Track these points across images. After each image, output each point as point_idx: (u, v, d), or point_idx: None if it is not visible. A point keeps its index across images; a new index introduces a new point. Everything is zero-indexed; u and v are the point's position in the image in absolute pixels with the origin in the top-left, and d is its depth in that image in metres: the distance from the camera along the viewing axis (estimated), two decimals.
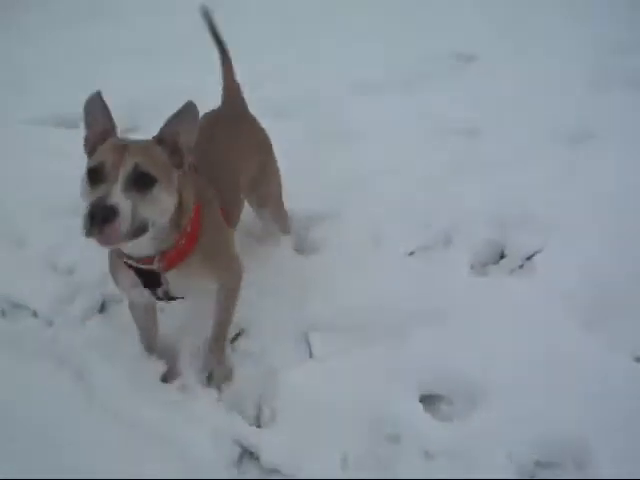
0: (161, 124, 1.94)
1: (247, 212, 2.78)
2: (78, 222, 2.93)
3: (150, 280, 2.10)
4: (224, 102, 2.69)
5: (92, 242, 1.81)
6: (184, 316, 2.64)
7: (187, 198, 2.03)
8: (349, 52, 4.06)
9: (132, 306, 2.43)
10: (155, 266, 2.03)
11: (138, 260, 2.04)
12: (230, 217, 2.38)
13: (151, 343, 2.52)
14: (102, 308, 2.78)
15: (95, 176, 1.84)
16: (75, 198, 3.12)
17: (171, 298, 2.18)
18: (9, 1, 5.03)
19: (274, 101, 2.90)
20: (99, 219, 1.74)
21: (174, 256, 2.04)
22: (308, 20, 4.40)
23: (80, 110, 3.70)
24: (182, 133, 1.93)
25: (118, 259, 2.12)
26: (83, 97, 3.74)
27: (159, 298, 2.17)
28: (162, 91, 3.60)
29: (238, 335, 2.60)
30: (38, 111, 3.86)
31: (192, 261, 2.09)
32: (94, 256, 2.86)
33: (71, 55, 4.31)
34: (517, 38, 4.10)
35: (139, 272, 2.08)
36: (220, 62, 2.70)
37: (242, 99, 2.72)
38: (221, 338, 2.46)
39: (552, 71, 3.82)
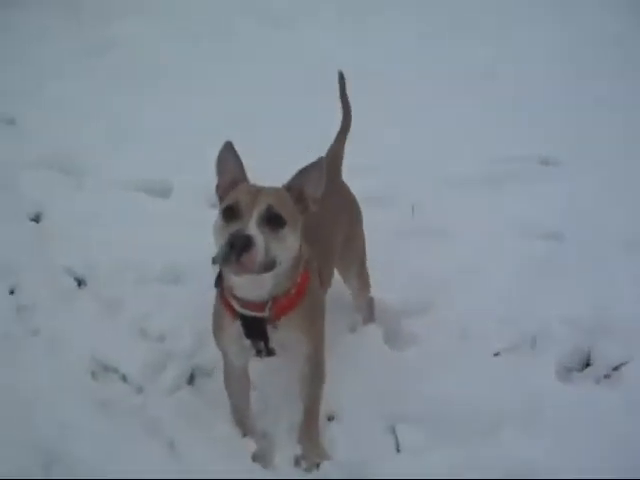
0: None
1: (339, 297, 2.86)
2: (169, 289, 3.16)
3: (254, 330, 2.19)
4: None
5: (228, 270, 1.98)
6: (275, 394, 2.68)
7: (303, 248, 2.16)
8: (439, 145, 4.18)
9: (228, 374, 2.49)
10: (265, 313, 2.14)
11: (249, 305, 2.14)
12: (324, 279, 2.48)
13: (243, 418, 2.56)
14: (191, 379, 2.84)
15: (231, 213, 2.01)
16: (167, 266, 3.32)
17: (269, 353, 2.26)
18: (123, 69, 5.22)
19: (366, 191, 2.98)
20: (238, 247, 1.89)
21: (284, 304, 2.16)
22: (403, 110, 4.54)
23: (171, 179, 3.90)
24: (309, 184, 2.11)
25: (224, 312, 2.24)
26: (175, 166, 3.94)
27: (259, 352, 2.25)
28: None
29: (328, 419, 2.62)
30: (132, 175, 3.99)
31: (296, 315, 2.20)
32: (185, 325, 2.99)
33: (171, 123, 4.46)
34: (601, 144, 4.18)
35: (245, 322, 2.18)
36: (341, 127, 2.87)
37: (340, 165, 2.86)
38: (314, 419, 2.50)
39: (632, 179, 3.88)
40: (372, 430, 2.57)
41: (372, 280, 3.00)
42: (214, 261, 1.99)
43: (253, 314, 2.17)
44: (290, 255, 2.07)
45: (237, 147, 2.19)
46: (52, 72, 5.23)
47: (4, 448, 2.47)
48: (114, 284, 3.24)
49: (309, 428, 2.49)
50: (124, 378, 2.83)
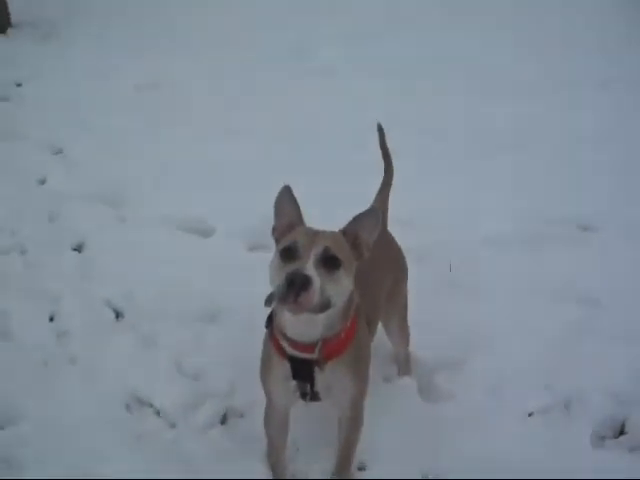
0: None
1: (376, 346, 2.87)
2: (207, 329, 3.20)
3: (302, 372, 2.22)
4: None
5: (286, 309, 2.01)
6: (309, 438, 2.70)
7: (354, 292, 2.20)
8: (479, 202, 4.22)
9: (269, 415, 2.51)
10: (315, 354, 2.16)
11: (299, 346, 2.17)
12: (370, 327, 2.51)
13: (278, 461, 2.57)
14: (224, 419, 2.86)
15: (288, 254, 2.05)
16: (205, 305, 3.36)
17: (314, 397, 2.28)
18: (171, 106, 5.38)
19: (403, 245, 3.02)
20: (296, 286, 1.92)
21: (333, 347, 2.18)
22: (440, 165, 4.61)
23: (212, 219, 3.95)
24: (364, 230, 2.16)
25: (273, 352, 2.26)
26: (217, 206, 4.00)
27: (304, 395, 2.27)
28: None
29: (359, 469, 2.62)
30: (175, 212, 4.06)
31: (344, 358, 2.23)
32: (220, 366, 3.02)
33: (215, 163, 4.56)
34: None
35: (293, 363, 2.21)
36: (383, 179, 2.92)
37: (385, 215, 2.89)
38: (347, 464, 2.51)
39: None
40: None
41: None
42: (268, 300, 2.03)
43: (302, 356, 2.19)
44: (344, 297, 2.11)
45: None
46: (102, 107, 5.38)
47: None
48: (152, 319, 3.29)
49: (342, 472, 2.50)
50: (158, 413, 2.86)
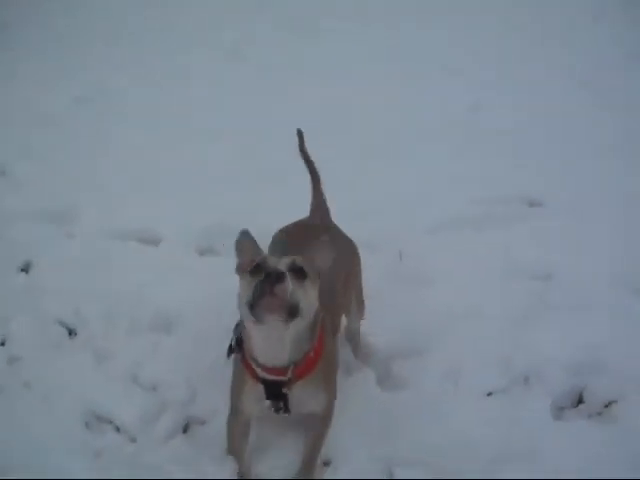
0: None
1: None
2: (161, 338, 3.16)
3: (274, 393, 2.30)
4: (312, 215, 3.00)
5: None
6: (275, 440, 2.69)
7: (319, 312, 2.27)
8: (426, 188, 4.23)
9: (233, 424, 2.54)
10: (288, 376, 2.24)
11: (272, 370, 2.25)
12: (334, 327, 2.59)
13: (242, 459, 2.61)
14: (185, 428, 2.83)
15: (258, 269, 2.13)
16: (158, 314, 3.32)
17: (287, 411, 2.35)
18: (112, 117, 5.27)
19: (354, 236, 3.02)
20: (272, 279, 2.04)
21: (303, 367, 2.26)
22: (386, 155, 4.61)
23: (161, 229, 3.91)
24: (319, 260, 2.27)
25: (246, 376, 2.34)
26: (163, 215, 3.95)
27: (277, 410, 2.35)
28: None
29: (325, 464, 2.63)
30: (121, 224, 3.99)
31: (314, 376, 2.31)
32: (177, 374, 2.99)
33: (158, 173, 4.50)
34: (584, 182, 4.25)
35: (266, 385, 2.28)
36: (312, 181, 3.05)
37: (327, 210, 3.02)
38: (313, 465, 2.53)
39: (627, 220, 3.93)
40: (369, 474, 2.57)
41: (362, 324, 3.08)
42: (230, 349, 2.33)
43: (275, 378, 2.27)
44: (311, 308, 2.20)
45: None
46: (40, 120, 5.27)
47: None
48: (105, 333, 3.24)
49: (307, 471, 2.52)
50: (118, 428, 2.82)
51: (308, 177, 3.08)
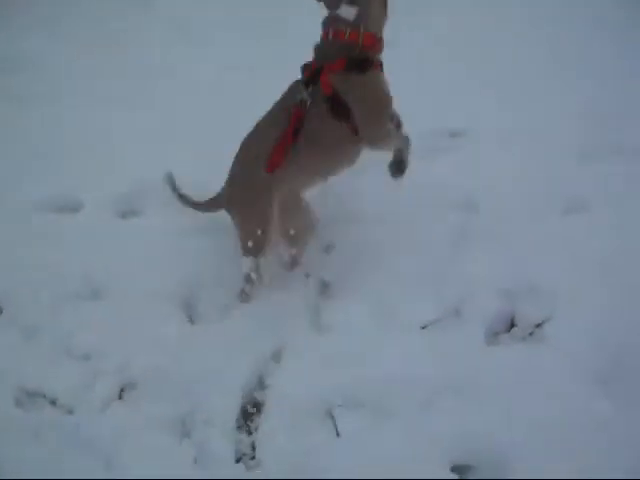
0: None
1: None
2: (89, 306, 3.09)
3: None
4: None
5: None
6: None
7: None
8: None
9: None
10: None
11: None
12: None
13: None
14: (121, 394, 2.79)
15: None
16: (83, 282, 3.24)
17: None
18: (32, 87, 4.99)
19: None
20: None
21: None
22: None
23: (80, 195, 3.75)
24: None
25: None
26: (83, 181, 3.80)
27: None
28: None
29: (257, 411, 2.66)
30: (41, 196, 3.82)
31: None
32: (110, 340, 2.94)
33: (80, 136, 4.33)
34: (513, 112, 4.23)
35: None
36: None
37: None
38: None
39: (545, 144, 3.95)
40: (310, 417, 2.59)
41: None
42: None
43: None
44: None
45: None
46: None
47: None
48: (31, 308, 3.13)
49: None
50: (53, 402, 2.76)
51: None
